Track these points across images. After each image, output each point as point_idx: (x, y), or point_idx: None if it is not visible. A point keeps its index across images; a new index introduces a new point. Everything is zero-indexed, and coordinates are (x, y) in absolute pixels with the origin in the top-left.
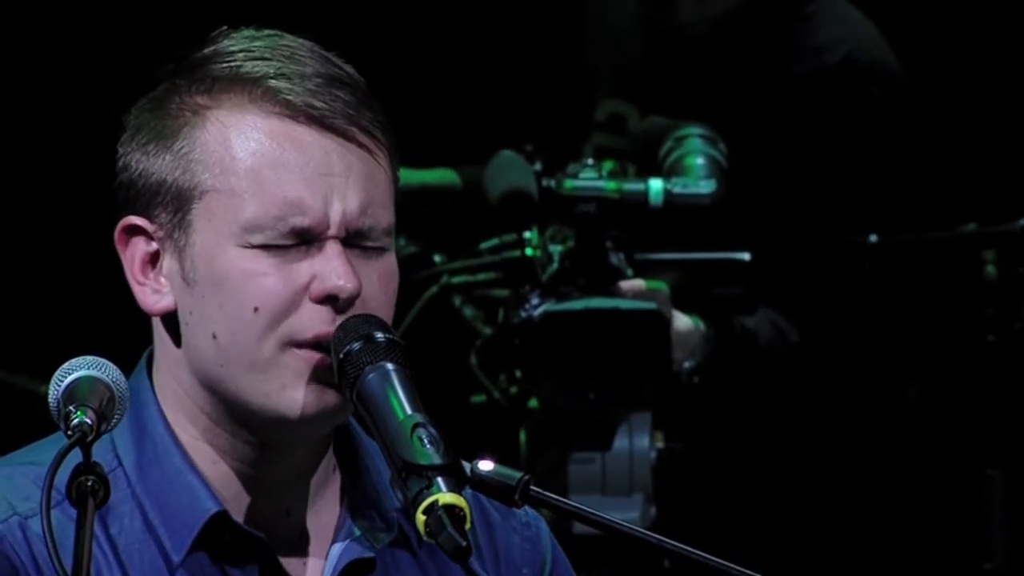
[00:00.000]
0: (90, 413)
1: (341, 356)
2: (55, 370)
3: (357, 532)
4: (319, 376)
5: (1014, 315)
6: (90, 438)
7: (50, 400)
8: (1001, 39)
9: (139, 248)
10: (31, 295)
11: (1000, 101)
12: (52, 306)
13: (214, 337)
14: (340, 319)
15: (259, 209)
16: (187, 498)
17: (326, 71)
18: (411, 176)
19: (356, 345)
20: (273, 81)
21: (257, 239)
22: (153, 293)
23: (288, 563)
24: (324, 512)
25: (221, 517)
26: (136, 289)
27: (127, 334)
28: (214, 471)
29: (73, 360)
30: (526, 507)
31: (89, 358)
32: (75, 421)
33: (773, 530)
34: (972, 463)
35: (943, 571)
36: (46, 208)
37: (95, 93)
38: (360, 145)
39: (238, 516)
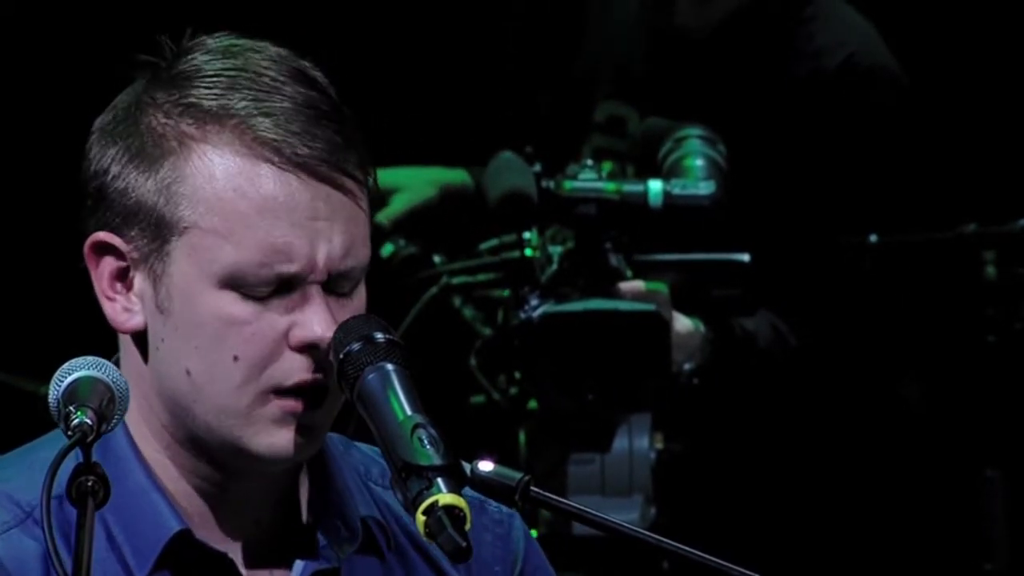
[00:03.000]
0: (90, 413)
1: (341, 356)
2: (55, 371)
3: (322, 542)
4: (295, 420)
5: (1014, 316)
6: (90, 438)
7: (50, 400)
8: (1001, 39)
9: (109, 265)
10: (31, 295)
11: (1000, 101)
12: (52, 307)
13: (188, 373)
14: (320, 366)
15: (245, 256)
16: (151, 516)
17: (307, 102)
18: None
19: (356, 346)
20: (259, 119)
21: (239, 285)
22: (124, 311)
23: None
24: (292, 522)
25: (184, 535)
26: (106, 304)
27: None
28: (177, 488)
29: (73, 360)
30: (500, 505)
31: (89, 358)
32: (75, 421)
33: (773, 531)
34: (972, 463)
35: (943, 571)
36: (46, 209)
37: (97, 94)
38: (343, 189)
39: (204, 531)
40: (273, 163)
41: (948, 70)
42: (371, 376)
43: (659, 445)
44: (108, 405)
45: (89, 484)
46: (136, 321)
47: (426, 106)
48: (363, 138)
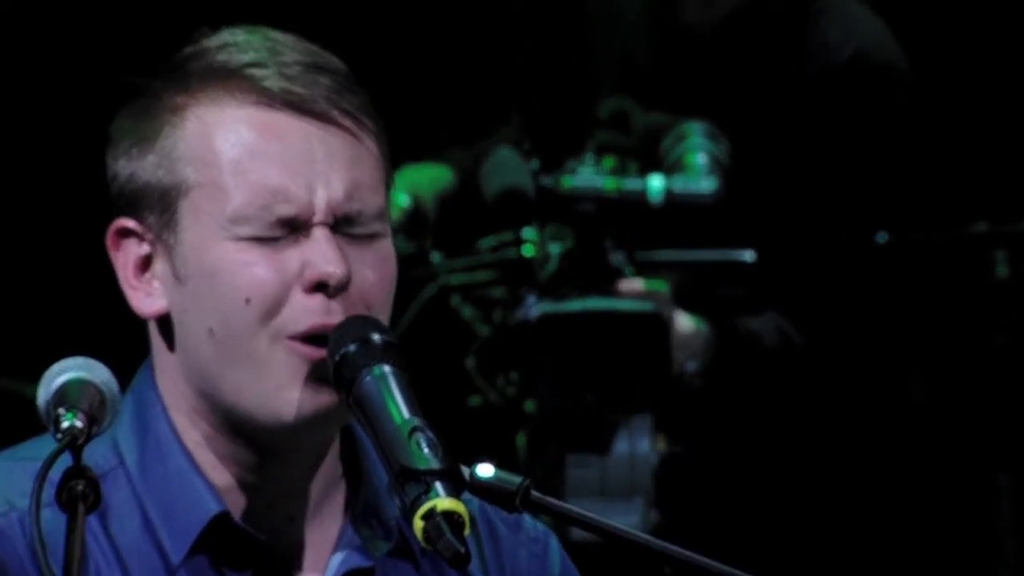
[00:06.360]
0: (80, 416)
1: (337, 358)
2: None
3: (358, 541)
4: (315, 375)
5: None
6: (80, 441)
7: (39, 402)
8: (1009, 37)
9: (131, 252)
10: (29, 296)
11: (1010, 99)
12: (48, 308)
13: (210, 332)
14: (334, 307)
15: (244, 200)
16: (190, 498)
17: (306, 59)
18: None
19: (352, 347)
20: (250, 70)
21: (245, 231)
22: (146, 296)
23: (288, 570)
24: (328, 521)
25: (223, 518)
26: (129, 293)
27: (122, 336)
28: (216, 477)
29: (63, 362)
30: (536, 523)
31: (79, 359)
32: (65, 424)
33: (776, 534)
34: (981, 466)
35: (952, 575)
36: (44, 210)
37: (96, 95)
38: (342, 129)
39: (240, 521)
40: (263, 106)
41: (958, 66)
42: (368, 378)
43: (661, 447)
44: (99, 408)
45: (79, 489)
46: (159, 305)
47: (426, 104)
48: (369, 97)
